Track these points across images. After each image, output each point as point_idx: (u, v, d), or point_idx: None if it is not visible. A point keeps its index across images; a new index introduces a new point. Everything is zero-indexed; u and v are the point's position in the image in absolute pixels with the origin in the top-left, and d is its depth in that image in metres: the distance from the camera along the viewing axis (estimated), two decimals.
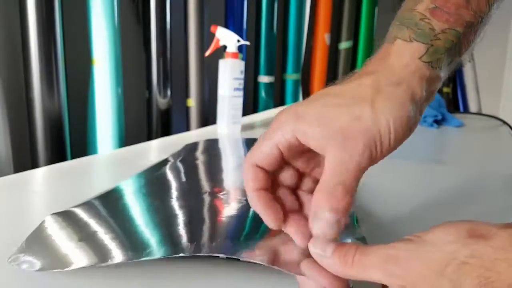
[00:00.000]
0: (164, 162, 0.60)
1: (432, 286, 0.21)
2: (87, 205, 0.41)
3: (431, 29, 0.26)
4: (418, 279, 0.22)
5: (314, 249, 0.25)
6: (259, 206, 0.28)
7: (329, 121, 0.26)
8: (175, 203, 0.42)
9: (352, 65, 2.06)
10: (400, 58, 0.27)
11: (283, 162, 0.29)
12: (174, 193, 0.46)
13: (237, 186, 0.49)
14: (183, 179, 0.53)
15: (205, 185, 0.50)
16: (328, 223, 0.25)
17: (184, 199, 0.44)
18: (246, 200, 0.30)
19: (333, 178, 0.26)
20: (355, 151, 0.25)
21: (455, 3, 0.26)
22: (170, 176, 0.54)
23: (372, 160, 0.26)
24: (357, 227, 0.37)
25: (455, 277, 0.21)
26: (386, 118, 0.26)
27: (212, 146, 0.75)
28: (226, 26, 1.51)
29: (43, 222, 0.37)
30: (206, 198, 0.44)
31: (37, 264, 0.30)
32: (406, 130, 0.26)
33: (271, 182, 0.29)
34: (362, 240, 0.34)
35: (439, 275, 0.21)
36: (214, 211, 0.41)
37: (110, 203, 0.42)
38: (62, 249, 0.32)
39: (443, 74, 0.28)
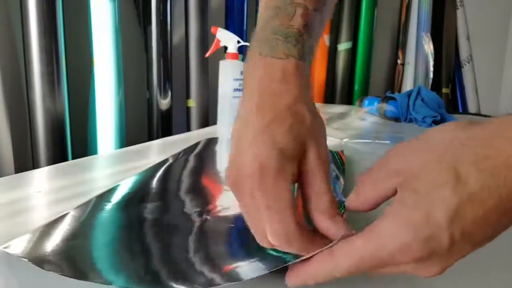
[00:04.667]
0: (162, 163, 0.59)
1: (432, 172, 0.22)
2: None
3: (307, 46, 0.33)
4: (418, 169, 0.23)
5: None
6: None
7: None
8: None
9: (351, 66, 2.06)
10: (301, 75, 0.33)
11: None
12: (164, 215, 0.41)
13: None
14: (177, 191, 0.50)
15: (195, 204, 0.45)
16: None
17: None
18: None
19: None
20: None
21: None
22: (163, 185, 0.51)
23: None
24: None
25: (452, 159, 0.22)
26: None
27: (210, 147, 0.75)
28: (227, 27, 1.52)
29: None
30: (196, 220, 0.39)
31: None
32: None
33: None
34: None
35: (437, 162, 0.22)
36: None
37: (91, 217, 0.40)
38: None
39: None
